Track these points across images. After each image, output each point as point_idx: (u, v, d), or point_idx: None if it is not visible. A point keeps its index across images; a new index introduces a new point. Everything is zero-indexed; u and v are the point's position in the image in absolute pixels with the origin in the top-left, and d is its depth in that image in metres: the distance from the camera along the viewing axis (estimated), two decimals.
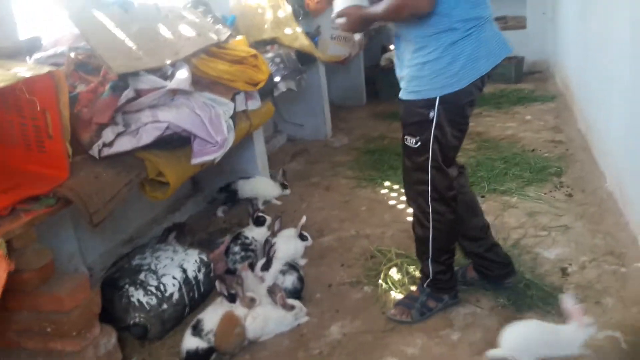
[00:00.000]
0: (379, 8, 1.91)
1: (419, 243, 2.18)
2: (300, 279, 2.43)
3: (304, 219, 2.82)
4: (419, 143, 1.99)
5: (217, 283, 2.24)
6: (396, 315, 2.21)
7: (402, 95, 2.03)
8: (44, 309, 1.84)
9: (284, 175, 3.65)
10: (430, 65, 1.90)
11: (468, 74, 1.90)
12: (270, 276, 2.42)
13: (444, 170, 2.02)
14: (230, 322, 2.14)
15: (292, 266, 2.48)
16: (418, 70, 1.94)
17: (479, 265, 2.32)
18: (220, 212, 3.40)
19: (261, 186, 3.46)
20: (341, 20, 2.06)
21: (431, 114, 1.93)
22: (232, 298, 2.20)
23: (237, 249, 2.70)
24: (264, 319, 2.17)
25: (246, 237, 2.75)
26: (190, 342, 2.11)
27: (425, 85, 1.93)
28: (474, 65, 1.90)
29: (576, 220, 2.83)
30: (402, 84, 2.04)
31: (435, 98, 1.91)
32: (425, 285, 2.23)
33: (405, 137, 2.04)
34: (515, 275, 2.31)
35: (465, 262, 2.41)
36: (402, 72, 2.04)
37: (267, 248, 2.51)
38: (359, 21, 2.03)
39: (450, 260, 2.19)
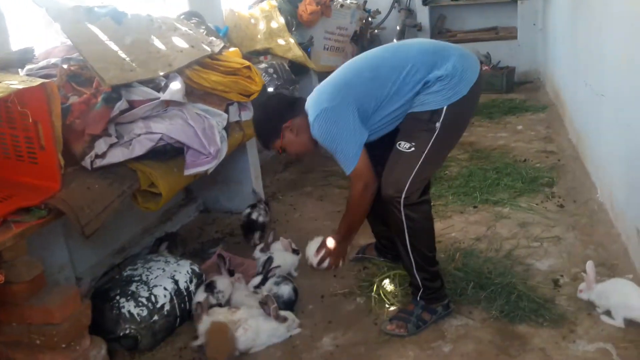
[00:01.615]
0: (343, 225, 2.28)
1: (403, 253, 2.19)
2: (295, 290, 2.42)
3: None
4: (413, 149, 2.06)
5: (217, 259, 2.52)
6: (394, 330, 2.20)
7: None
8: (34, 321, 1.83)
9: (266, 205, 3.24)
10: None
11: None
12: (265, 288, 2.41)
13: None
14: (220, 332, 2.13)
15: (285, 277, 2.47)
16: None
17: (383, 245, 2.66)
18: None
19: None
20: (330, 260, 2.33)
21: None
22: (231, 273, 2.49)
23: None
24: (256, 330, 2.16)
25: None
26: (202, 296, 2.32)
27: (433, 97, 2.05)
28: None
29: (568, 231, 2.85)
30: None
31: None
32: (419, 298, 2.23)
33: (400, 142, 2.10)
34: None
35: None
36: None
37: (267, 265, 2.51)
38: (339, 249, 2.31)
39: (435, 267, 2.23)
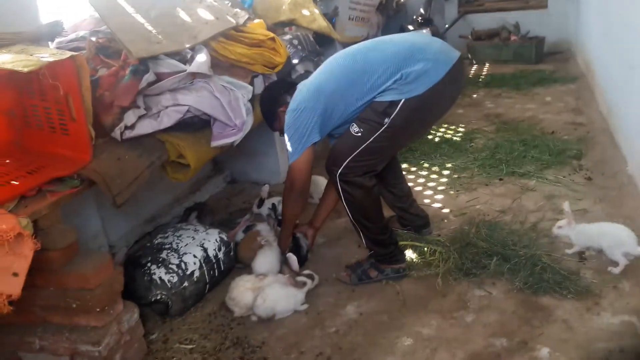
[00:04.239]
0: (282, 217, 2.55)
1: (348, 217, 2.37)
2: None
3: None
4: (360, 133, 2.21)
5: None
6: (342, 277, 2.45)
7: None
8: (70, 286, 1.90)
9: (273, 211, 3.00)
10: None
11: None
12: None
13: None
14: (250, 238, 2.60)
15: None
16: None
17: (401, 217, 2.73)
18: None
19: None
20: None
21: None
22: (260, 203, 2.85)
23: None
24: (273, 299, 2.23)
25: None
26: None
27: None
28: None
29: (595, 204, 2.81)
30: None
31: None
32: (369, 255, 2.45)
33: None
34: (430, 227, 2.71)
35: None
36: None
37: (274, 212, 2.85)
38: (281, 240, 2.59)
39: (382, 235, 2.36)
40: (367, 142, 2.18)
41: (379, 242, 2.38)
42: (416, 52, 2.15)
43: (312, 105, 2.21)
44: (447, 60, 2.18)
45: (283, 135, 2.37)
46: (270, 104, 2.43)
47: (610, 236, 2.29)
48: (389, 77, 2.13)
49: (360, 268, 2.44)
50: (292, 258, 2.37)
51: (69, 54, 1.89)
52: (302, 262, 2.54)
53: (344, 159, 2.22)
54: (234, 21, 2.84)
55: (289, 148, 2.29)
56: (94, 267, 1.90)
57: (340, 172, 2.23)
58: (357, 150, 2.19)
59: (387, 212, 2.81)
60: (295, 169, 2.31)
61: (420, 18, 6.21)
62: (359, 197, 2.25)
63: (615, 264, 2.25)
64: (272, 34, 2.90)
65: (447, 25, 6.79)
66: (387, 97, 2.14)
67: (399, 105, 2.12)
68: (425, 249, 2.55)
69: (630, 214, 2.65)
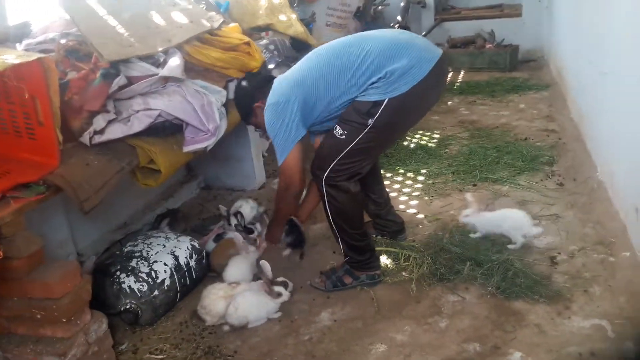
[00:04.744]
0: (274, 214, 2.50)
1: (328, 222, 2.35)
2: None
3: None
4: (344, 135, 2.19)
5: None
6: (317, 284, 2.43)
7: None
8: (35, 296, 1.84)
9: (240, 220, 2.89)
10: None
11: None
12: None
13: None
14: (223, 246, 2.59)
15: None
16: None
17: (379, 224, 2.71)
18: None
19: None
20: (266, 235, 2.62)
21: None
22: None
23: None
24: (246, 307, 2.19)
25: None
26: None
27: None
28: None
29: (567, 209, 2.85)
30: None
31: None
32: (344, 262, 2.42)
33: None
34: (405, 233, 2.71)
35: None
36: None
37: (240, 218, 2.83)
38: (269, 226, 2.60)
39: (361, 242, 2.34)
40: (352, 144, 2.16)
41: (356, 248, 2.36)
42: (401, 48, 2.13)
43: (293, 99, 2.16)
44: (431, 57, 2.16)
45: (259, 132, 2.32)
46: (247, 99, 2.38)
47: (511, 220, 2.56)
48: (372, 74, 2.10)
49: (335, 274, 2.42)
50: (266, 265, 2.34)
51: (35, 55, 1.84)
52: (302, 242, 2.60)
53: (329, 162, 2.19)
54: (209, 25, 2.81)
55: (277, 148, 2.22)
56: (59, 275, 1.85)
57: (326, 176, 2.21)
58: (343, 153, 2.17)
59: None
60: (287, 169, 2.25)
61: (397, 25, 6.25)
62: (344, 202, 2.23)
63: (513, 244, 2.53)
64: (247, 38, 2.88)
65: (423, 33, 6.84)
66: (371, 97, 2.11)
67: (383, 105, 2.10)
68: (400, 254, 2.54)
69: (600, 219, 2.69)
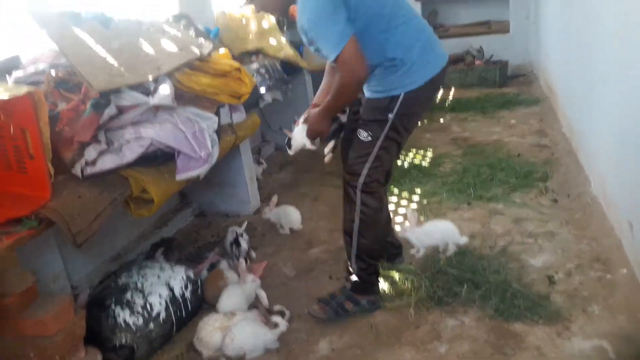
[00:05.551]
0: (330, 98, 2.16)
1: (347, 239, 2.30)
2: None
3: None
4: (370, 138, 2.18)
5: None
6: (316, 312, 2.34)
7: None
8: (27, 334, 1.81)
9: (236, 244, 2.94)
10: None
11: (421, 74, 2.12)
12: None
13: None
14: (216, 277, 2.55)
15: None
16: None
17: None
18: None
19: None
20: (310, 130, 2.33)
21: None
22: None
23: None
24: (242, 338, 2.15)
25: None
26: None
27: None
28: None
29: (562, 226, 2.85)
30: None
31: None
32: (349, 287, 2.37)
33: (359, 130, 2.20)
34: (402, 256, 2.67)
35: None
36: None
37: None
38: (318, 119, 2.28)
39: (373, 261, 2.32)
40: (380, 141, 2.16)
41: (370, 267, 2.31)
42: (430, 38, 2.17)
43: None
44: (444, 55, 2.21)
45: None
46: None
47: (441, 231, 2.68)
48: (398, 34, 2.06)
49: (335, 300, 2.36)
50: (262, 294, 2.31)
51: (25, 89, 1.84)
52: (342, 129, 2.47)
53: (362, 167, 2.18)
54: (199, 52, 2.82)
55: (323, 36, 1.98)
56: (53, 312, 1.82)
57: (363, 182, 2.18)
58: (373, 153, 2.17)
59: None
60: (346, 57, 1.94)
61: None
62: (377, 209, 2.23)
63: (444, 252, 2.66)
64: (237, 64, 2.88)
65: None
66: (391, 92, 2.12)
67: (400, 99, 2.12)
68: (397, 277, 2.52)
69: (595, 235, 2.69)
